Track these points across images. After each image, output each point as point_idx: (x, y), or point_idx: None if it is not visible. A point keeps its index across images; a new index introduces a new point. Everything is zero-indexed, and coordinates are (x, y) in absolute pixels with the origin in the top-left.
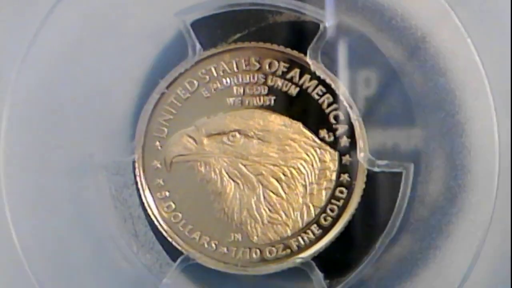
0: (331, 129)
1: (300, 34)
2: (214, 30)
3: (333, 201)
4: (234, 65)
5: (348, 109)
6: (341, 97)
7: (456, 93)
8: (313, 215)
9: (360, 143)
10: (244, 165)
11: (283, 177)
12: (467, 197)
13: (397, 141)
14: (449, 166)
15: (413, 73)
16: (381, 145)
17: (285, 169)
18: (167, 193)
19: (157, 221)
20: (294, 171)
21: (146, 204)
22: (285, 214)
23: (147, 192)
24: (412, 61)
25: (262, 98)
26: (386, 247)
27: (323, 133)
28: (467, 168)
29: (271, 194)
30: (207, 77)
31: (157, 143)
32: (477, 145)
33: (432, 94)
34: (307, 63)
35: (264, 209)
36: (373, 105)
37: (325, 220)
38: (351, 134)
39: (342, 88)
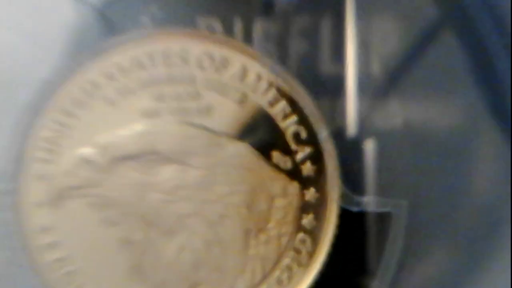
0: (289, 152)
1: (245, 13)
2: (124, 12)
3: (291, 253)
4: (151, 59)
5: (314, 123)
6: (304, 106)
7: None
8: (263, 274)
9: (330, 171)
10: (163, 202)
11: (217, 219)
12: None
13: (431, 116)
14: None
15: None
16: (405, 123)
17: (221, 208)
18: (55, 239)
19: (43, 280)
20: (233, 211)
21: (27, 254)
22: (220, 271)
23: (27, 236)
24: (450, 18)
25: (189, 105)
26: None
27: (277, 157)
28: None
29: (199, 243)
30: (114, 75)
31: (41, 168)
32: None
33: (474, 59)
34: (254, 56)
35: (189, 264)
36: (395, 72)
37: (279, 283)
38: (317, 158)
39: (304, 94)
